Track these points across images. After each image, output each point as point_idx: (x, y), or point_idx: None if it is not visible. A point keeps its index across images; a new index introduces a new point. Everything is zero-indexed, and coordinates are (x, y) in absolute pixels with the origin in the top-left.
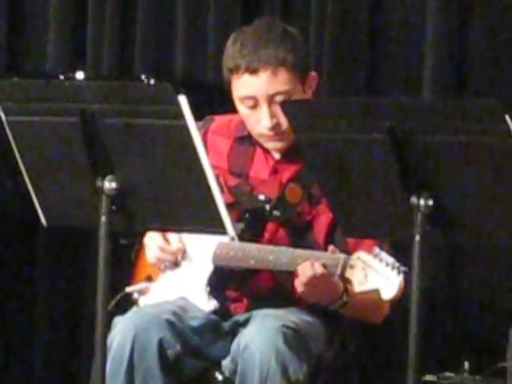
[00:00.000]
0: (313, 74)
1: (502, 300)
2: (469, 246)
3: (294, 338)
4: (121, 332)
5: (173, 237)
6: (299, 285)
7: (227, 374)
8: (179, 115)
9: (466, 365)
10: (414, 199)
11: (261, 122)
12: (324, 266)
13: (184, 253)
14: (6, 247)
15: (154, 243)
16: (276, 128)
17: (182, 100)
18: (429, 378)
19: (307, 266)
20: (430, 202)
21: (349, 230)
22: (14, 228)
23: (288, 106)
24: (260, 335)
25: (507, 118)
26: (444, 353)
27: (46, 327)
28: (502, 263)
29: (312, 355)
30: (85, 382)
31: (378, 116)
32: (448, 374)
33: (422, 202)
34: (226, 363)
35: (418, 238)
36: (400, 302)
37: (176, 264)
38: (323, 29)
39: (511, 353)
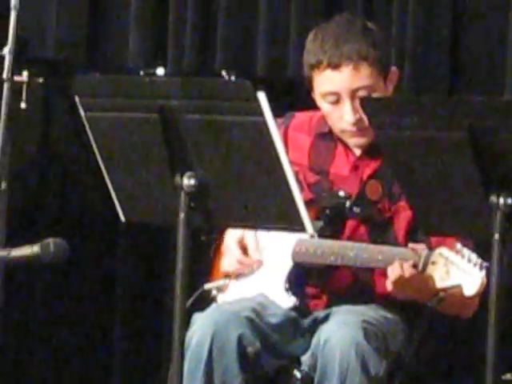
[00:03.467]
0: (394, 69)
1: None
2: None
3: (375, 334)
4: (200, 329)
5: (251, 245)
6: (389, 284)
7: (306, 369)
8: (258, 112)
9: None
10: (493, 198)
11: (344, 118)
12: (414, 266)
13: (260, 264)
14: (87, 243)
15: (231, 254)
16: (359, 123)
17: (262, 97)
18: (509, 377)
19: (396, 266)
20: (510, 201)
21: (427, 228)
22: (95, 224)
23: (367, 103)
24: (340, 330)
25: None
26: None
27: (125, 324)
28: None
29: (391, 352)
30: (163, 378)
31: (459, 114)
32: None
33: (501, 200)
34: (305, 358)
35: (497, 236)
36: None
37: (252, 271)
38: (405, 25)
39: None
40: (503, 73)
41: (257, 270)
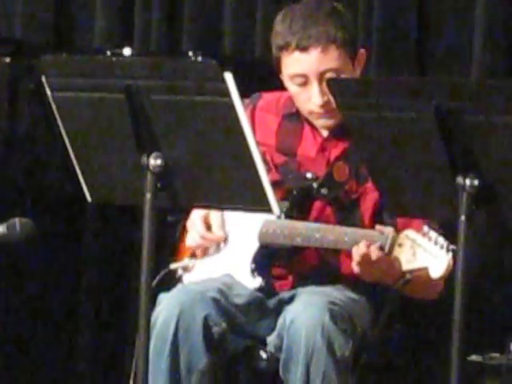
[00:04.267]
0: (362, 50)
1: None
2: None
3: (340, 315)
4: (166, 309)
5: (215, 222)
6: (354, 266)
7: (272, 349)
8: (225, 92)
9: None
10: (460, 179)
11: (311, 100)
12: (381, 248)
13: (225, 240)
14: (53, 223)
15: (195, 229)
16: (326, 105)
17: (229, 77)
18: (474, 358)
19: (361, 247)
20: (476, 183)
21: (393, 209)
22: (61, 204)
23: (334, 84)
24: (306, 311)
25: None
26: (490, 333)
27: (90, 303)
28: None
29: (357, 332)
30: (129, 358)
31: (425, 95)
32: (493, 354)
33: (468, 182)
34: (271, 339)
35: (463, 218)
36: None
37: (218, 250)
38: (371, 6)
39: None
40: (470, 54)
41: (223, 247)
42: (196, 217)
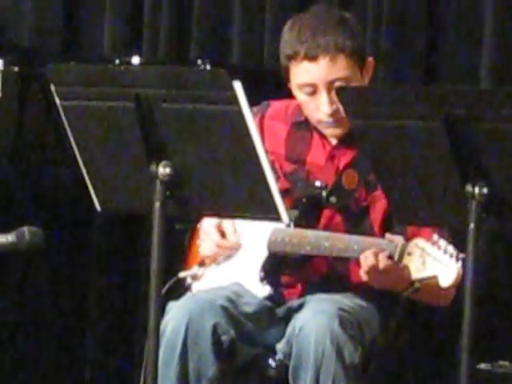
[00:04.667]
0: (370, 59)
1: None
2: None
3: (350, 322)
4: (175, 317)
5: (229, 229)
6: (362, 274)
7: (281, 357)
8: (234, 101)
9: None
10: (469, 187)
11: (320, 109)
12: (390, 256)
13: (238, 246)
14: (63, 232)
15: (209, 238)
16: (335, 114)
17: (237, 86)
18: (483, 366)
19: (369, 256)
20: (485, 191)
21: (402, 217)
22: (70, 213)
23: (343, 93)
24: (316, 318)
25: None
26: (499, 341)
27: (100, 312)
28: None
29: (366, 340)
30: (138, 367)
31: (434, 103)
32: (502, 362)
33: (476, 190)
34: (280, 346)
35: (472, 226)
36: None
37: (230, 257)
38: (381, 16)
39: None
40: (479, 63)
41: (235, 253)
42: (209, 225)
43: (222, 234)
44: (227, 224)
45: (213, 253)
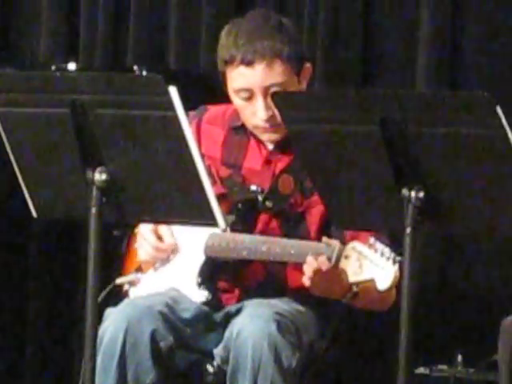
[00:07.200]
0: (307, 65)
1: (494, 291)
2: (460, 238)
3: (287, 326)
4: (113, 324)
5: (165, 232)
6: (306, 280)
7: (219, 362)
8: (170, 106)
9: (460, 357)
10: (405, 191)
11: (256, 114)
12: (328, 259)
13: (176, 248)
14: None
15: (147, 242)
16: (271, 120)
17: (173, 91)
18: (421, 370)
19: (311, 261)
20: (421, 194)
21: (339, 222)
22: (6, 220)
23: (278, 98)
24: (253, 322)
25: (498, 109)
26: (437, 345)
27: (37, 318)
28: (493, 254)
29: (303, 344)
30: (76, 374)
31: (370, 107)
32: (441, 366)
33: (413, 194)
34: (218, 351)
35: (409, 230)
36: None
37: (168, 260)
38: (317, 19)
39: (502, 345)
40: (414, 67)
41: (173, 258)
42: (145, 230)
43: (159, 238)
44: (164, 228)
45: (150, 257)
